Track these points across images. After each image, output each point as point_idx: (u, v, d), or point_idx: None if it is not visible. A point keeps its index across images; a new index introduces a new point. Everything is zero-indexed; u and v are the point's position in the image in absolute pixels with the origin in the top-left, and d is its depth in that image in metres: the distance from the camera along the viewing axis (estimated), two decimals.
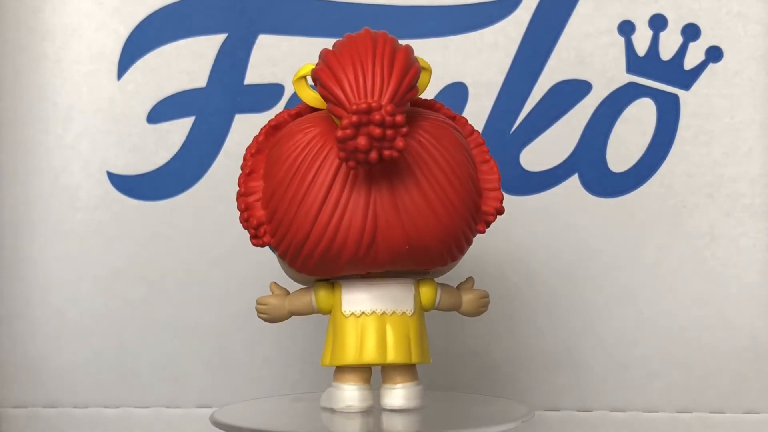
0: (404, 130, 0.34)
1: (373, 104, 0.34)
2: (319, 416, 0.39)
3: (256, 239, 0.38)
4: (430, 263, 0.38)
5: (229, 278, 0.53)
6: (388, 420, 0.38)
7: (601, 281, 0.52)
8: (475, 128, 0.40)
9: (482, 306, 0.41)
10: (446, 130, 0.37)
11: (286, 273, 0.40)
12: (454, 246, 0.37)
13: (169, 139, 0.53)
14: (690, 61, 0.52)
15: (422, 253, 0.37)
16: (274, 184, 0.37)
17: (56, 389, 0.53)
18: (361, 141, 0.34)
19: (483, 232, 0.38)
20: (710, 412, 0.52)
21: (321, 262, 0.37)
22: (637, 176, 0.52)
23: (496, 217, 0.39)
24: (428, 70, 0.39)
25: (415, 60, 0.37)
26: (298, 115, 0.39)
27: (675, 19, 0.52)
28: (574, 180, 0.53)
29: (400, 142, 0.34)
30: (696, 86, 0.52)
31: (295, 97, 0.52)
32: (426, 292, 0.39)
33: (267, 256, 0.39)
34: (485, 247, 0.49)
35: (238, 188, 0.39)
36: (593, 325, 0.52)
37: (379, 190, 0.36)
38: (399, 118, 0.34)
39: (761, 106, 0.52)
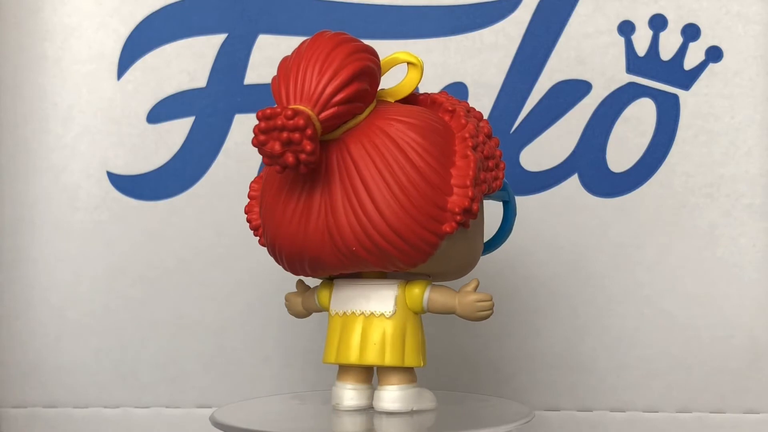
0: (309, 132, 0.33)
1: (278, 109, 0.33)
2: (317, 416, 0.39)
3: (260, 239, 0.40)
4: (390, 264, 0.37)
5: (229, 278, 0.53)
6: (386, 421, 0.37)
7: (601, 281, 0.52)
8: (470, 121, 0.37)
9: (480, 310, 0.37)
10: (410, 129, 0.36)
11: None
12: (410, 247, 0.36)
13: (169, 139, 0.53)
14: (690, 61, 0.52)
15: (376, 255, 0.36)
16: (263, 188, 0.39)
17: (56, 389, 0.53)
18: (274, 146, 0.34)
19: (451, 232, 0.36)
20: (710, 412, 0.52)
21: (290, 262, 0.38)
22: (637, 176, 0.52)
23: (467, 216, 0.36)
24: (417, 66, 0.38)
25: (361, 59, 0.36)
26: None
27: (675, 19, 0.52)
28: (574, 180, 0.53)
29: (307, 146, 0.33)
30: (696, 86, 0.52)
31: None
32: (411, 293, 0.38)
33: (266, 255, 0.39)
34: None
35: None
36: (593, 325, 0.52)
37: (330, 193, 0.36)
38: (299, 121, 0.33)
39: (761, 106, 0.52)
